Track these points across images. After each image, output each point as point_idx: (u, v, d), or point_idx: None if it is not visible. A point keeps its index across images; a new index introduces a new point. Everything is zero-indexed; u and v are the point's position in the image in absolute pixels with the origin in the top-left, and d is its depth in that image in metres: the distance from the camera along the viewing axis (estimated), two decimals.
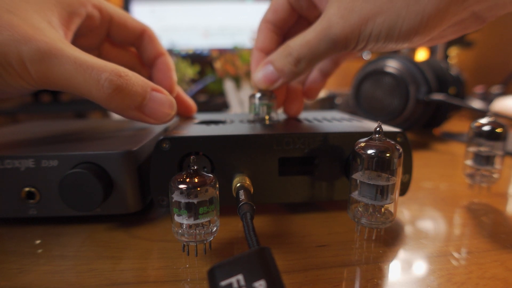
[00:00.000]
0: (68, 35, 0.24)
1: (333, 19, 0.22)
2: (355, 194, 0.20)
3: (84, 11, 0.26)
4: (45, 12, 0.22)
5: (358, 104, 0.53)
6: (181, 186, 0.17)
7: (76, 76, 0.20)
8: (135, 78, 0.22)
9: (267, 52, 0.29)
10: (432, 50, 0.90)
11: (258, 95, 0.28)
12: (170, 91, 0.31)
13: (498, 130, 0.27)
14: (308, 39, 0.24)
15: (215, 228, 0.19)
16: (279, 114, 0.34)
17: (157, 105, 0.23)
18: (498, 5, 0.21)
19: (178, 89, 0.33)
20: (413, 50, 0.87)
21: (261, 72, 0.27)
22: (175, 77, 0.32)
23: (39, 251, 0.20)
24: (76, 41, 0.26)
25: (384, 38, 0.21)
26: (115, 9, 0.29)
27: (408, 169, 0.24)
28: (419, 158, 0.42)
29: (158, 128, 0.31)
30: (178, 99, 0.33)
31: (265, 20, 0.29)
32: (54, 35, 0.21)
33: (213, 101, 0.82)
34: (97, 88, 0.21)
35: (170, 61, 0.32)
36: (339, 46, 0.23)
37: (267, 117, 0.28)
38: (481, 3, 0.20)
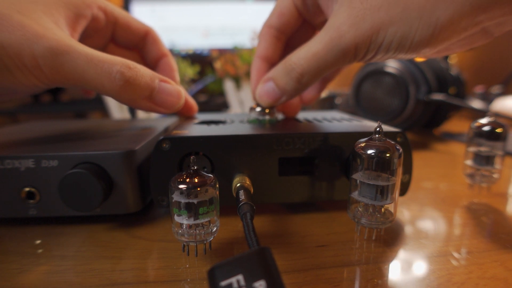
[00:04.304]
0: (74, 36, 0.25)
1: (343, 28, 0.21)
2: (355, 194, 0.20)
3: (89, 13, 0.26)
4: (52, 13, 0.23)
5: (358, 104, 0.53)
6: (181, 186, 0.17)
7: (88, 70, 0.21)
8: (144, 70, 0.23)
9: (270, 60, 0.28)
10: None
11: (258, 109, 0.28)
12: None
13: (498, 130, 0.27)
14: (315, 51, 0.22)
15: (215, 228, 0.19)
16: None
17: (166, 94, 0.23)
18: (508, 21, 0.20)
19: (170, 59, 0.33)
20: None
21: (262, 90, 0.26)
22: (178, 77, 0.33)
23: (39, 251, 0.20)
24: (82, 42, 0.26)
25: (395, 49, 0.21)
26: (119, 11, 0.29)
27: (408, 169, 0.24)
28: (419, 158, 0.42)
29: (158, 128, 0.31)
30: (168, 71, 0.33)
31: (268, 25, 0.28)
32: (63, 34, 0.22)
33: (213, 101, 0.82)
34: (109, 80, 0.21)
35: (173, 61, 0.32)
36: (348, 57, 0.22)
37: (267, 125, 0.28)
38: (492, 19, 0.19)
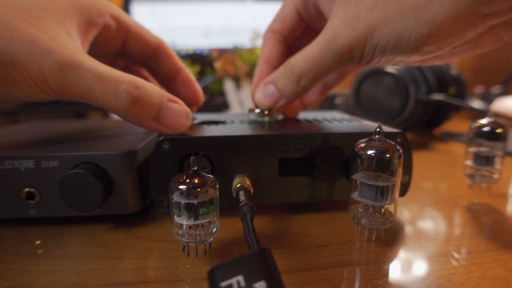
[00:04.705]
0: (85, 44, 0.24)
1: (338, 29, 0.21)
2: (355, 195, 0.20)
3: (102, 21, 0.26)
4: (64, 22, 0.22)
5: (358, 104, 0.53)
6: (181, 186, 0.17)
7: (95, 87, 0.20)
8: (152, 89, 0.22)
9: (273, 63, 0.28)
10: None
11: (257, 110, 0.27)
12: (198, 102, 0.33)
13: (498, 130, 0.27)
14: (312, 53, 0.22)
15: (215, 229, 0.19)
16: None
17: (173, 115, 0.22)
18: None
19: (187, 72, 0.33)
20: None
21: (262, 93, 0.26)
22: (199, 87, 0.33)
23: (39, 251, 0.20)
24: (91, 50, 0.26)
25: (392, 50, 0.20)
26: (132, 21, 0.29)
27: (408, 170, 0.24)
28: (419, 158, 0.42)
29: None
30: (185, 81, 0.32)
31: (271, 30, 0.28)
32: (73, 46, 0.21)
33: (213, 101, 0.82)
34: (115, 99, 0.21)
35: (190, 74, 0.32)
36: (344, 59, 0.22)
37: (267, 126, 0.28)
38: (499, 15, 0.18)
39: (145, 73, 0.33)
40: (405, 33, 0.19)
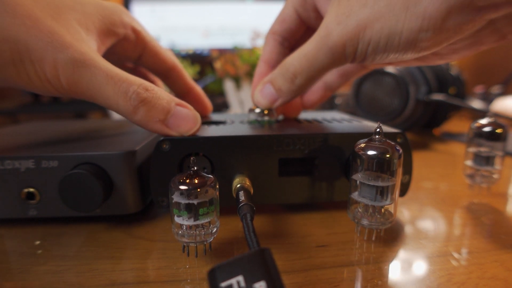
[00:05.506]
0: (101, 49, 0.25)
1: (331, 26, 0.21)
2: (355, 195, 0.20)
3: (122, 32, 0.26)
4: (86, 24, 0.23)
5: (358, 104, 0.53)
6: (181, 187, 0.17)
7: (106, 87, 0.21)
8: (161, 93, 0.22)
9: (272, 64, 0.29)
10: None
11: (257, 110, 0.28)
12: (206, 114, 0.35)
13: (498, 130, 0.27)
14: (306, 52, 0.23)
15: (215, 229, 0.19)
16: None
17: (181, 119, 0.22)
18: None
19: (198, 89, 0.34)
20: None
21: (260, 93, 0.26)
22: (208, 101, 0.35)
23: (39, 251, 0.20)
24: (106, 57, 0.26)
25: (385, 47, 0.20)
26: (151, 39, 0.30)
27: (408, 170, 0.24)
28: (419, 158, 0.42)
29: None
30: (195, 97, 0.34)
31: (272, 31, 0.29)
32: (89, 47, 0.22)
33: (213, 101, 0.81)
34: (124, 100, 0.21)
35: (201, 91, 0.34)
36: (337, 57, 0.21)
37: (267, 126, 0.28)
38: (497, 9, 0.17)
39: (152, 77, 0.34)
40: (396, 28, 0.19)
